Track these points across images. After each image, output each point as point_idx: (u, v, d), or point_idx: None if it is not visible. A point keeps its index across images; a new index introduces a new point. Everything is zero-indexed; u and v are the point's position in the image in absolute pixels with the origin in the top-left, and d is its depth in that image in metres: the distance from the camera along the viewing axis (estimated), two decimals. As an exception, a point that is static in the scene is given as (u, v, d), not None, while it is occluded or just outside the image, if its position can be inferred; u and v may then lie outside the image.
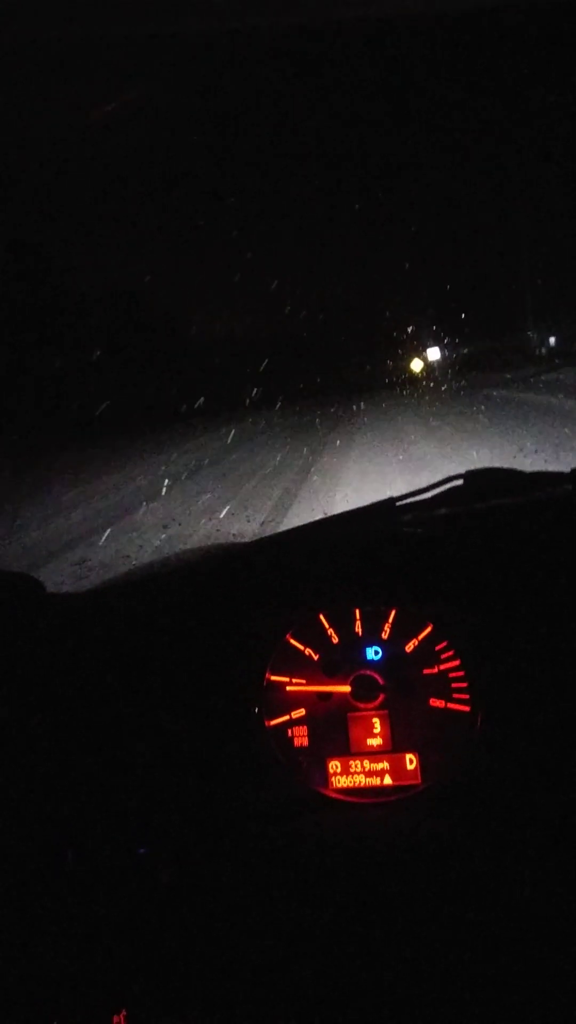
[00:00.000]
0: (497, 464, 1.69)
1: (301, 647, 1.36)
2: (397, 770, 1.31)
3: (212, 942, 1.17)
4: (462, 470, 1.57)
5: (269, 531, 6.72)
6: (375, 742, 1.32)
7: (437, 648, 1.32)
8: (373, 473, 9.05)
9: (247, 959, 1.16)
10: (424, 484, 1.54)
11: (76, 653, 1.38)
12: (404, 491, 1.53)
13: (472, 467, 1.59)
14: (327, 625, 1.36)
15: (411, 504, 1.52)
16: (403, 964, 1.09)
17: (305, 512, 7.50)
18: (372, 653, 1.34)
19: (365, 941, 1.16)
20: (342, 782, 1.33)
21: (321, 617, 1.37)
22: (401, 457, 10.32)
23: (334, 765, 1.33)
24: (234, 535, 6.65)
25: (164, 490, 10.26)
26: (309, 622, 1.37)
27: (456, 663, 1.31)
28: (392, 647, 1.34)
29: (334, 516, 1.57)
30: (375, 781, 1.32)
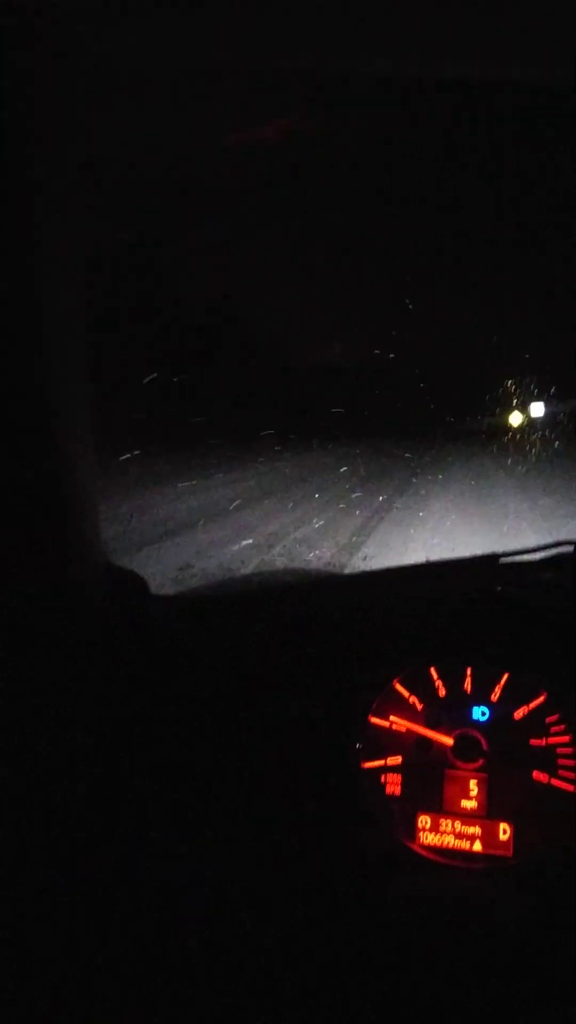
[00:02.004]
0: None
1: (407, 695, 1.36)
2: (489, 838, 1.29)
3: (273, 977, 1.17)
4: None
5: (357, 557, 6.79)
6: (470, 805, 1.31)
7: (548, 719, 1.30)
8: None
9: (300, 1002, 1.15)
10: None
11: (175, 661, 1.40)
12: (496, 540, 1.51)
13: None
14: (437, 678, 1.36)
15: (516, 563, 1.50)
16: None
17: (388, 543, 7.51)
18: (479, 713, 1.34)
19: (430, 1005, 1.14)
20: (430, 839, 1.32)
21: (432, 670, 1.36)
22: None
23: (424, 820, 1.32)
24: (328, 557, 6.72)
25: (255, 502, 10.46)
26: (419, 672, 1.36)
27: (567, 739, 1.28)
28: (500, 711, 1.32)
29: (437, 563, 1.57)
30: (464, 845, 1.30)
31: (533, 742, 1.31)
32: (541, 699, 1.32)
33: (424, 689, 1.37)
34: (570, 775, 1.28)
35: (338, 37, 1.20)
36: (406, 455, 18.39)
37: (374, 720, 1.37)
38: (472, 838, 1.31)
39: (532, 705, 1.32)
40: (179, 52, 1.28)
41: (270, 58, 1.29)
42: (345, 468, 15.43)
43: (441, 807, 1.32)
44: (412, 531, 8.48)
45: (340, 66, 1.31)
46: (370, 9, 1.13)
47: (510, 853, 1.29)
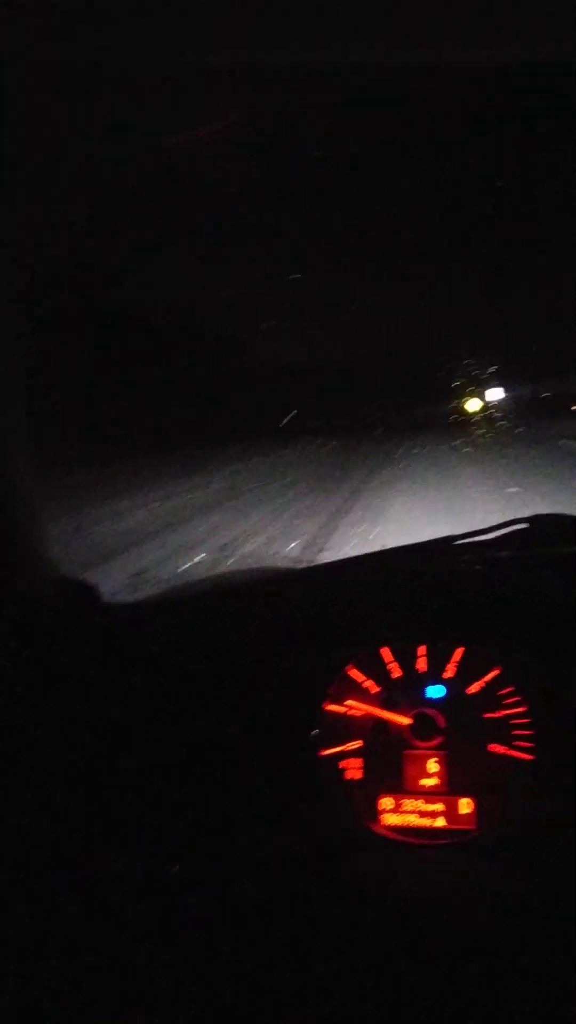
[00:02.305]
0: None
1: (362, 679, 1.38)
2: (452, 813, 1.32)
3: (242, 971, 1.18)
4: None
5: (319, 557, 6.83)
6: (430, 782, 1.33)
7: (502, 692, 1.33)
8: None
9: (277, 991, 1.16)
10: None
11: (129, 665, 1.41)
12: (462, 530, 1.54)
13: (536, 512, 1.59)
14: (390, 659, 1.38)
15: (471, 544, 1.53)
16: (444, 1013, 1.08)
17: (349, 541, 7.57)
18: (434, 691, 1.36)
19: (405, 984, 1.16)
20: (393, 820, 1.34)
21: (384, 650, 1.38)
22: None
23: (386, 802, 1.35)
24: (288, 558, 6.74)
25: (216, 506, 10.48)
26: (372, 654, 1.38)
27: (522, 709, 1.32)
28: (456, 687, 1.35)
29: (392, 549, 1.59)
30: (427, 822, 1.33)
31: (488, 715, 1.33)
32: (495, 672, 1.34)
33: (378, 671, 1.39)
34: (526, 744, 1.31)
35: (276, 29, 1.21)
36: (367, 451, 18.48)
37: (330, 707, 1.38)
38: (435, 815, 1.33)
39: (486, 679, 1.34)
40: (119, 51, 1.28)
41: (218, 54, 1.30)
42: (303, 469, 15.46)
43: (402, 787, 1.34)
44: (376, 528, 8.52)
45: (280, 58, 1.33)
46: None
47: (473, 826, 1.32)
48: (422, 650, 1.38)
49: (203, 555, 7.26)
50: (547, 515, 1.58)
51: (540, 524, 1.54)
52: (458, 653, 1.36)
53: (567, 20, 1.17)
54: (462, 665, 1.36)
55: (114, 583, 5.75)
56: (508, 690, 1.33)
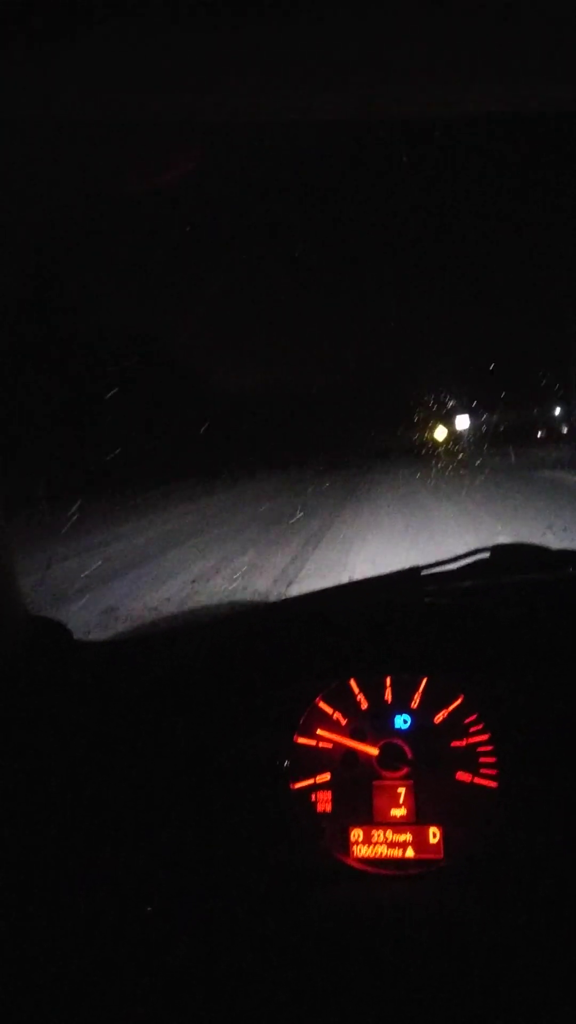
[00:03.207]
0: (525, 540, 1.76)
1: (331, 710, 1.42)
2: (420, 843, 1.36)
3: (222, 1007, 1.20)
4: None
5: (289, 590, 6.85)
6: (399, 813, 1.37)
7: (467, 720, 1.38)
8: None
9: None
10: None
11: (102, 702, 1.44)
12: (428, 560, 1.60)
13: (499, 541, 1.66)
14: (358, 691, 1.42)
15: (436, 574, 1.59)
16: None
17: (320, 573, 7.61)
18: (401, 722, 1.41)
19: (380, 1016, 1.18)
20: (363, 852, 1.37)
21: (352, 682, 1.42)
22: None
23: (356, 834, 1.38)
24: (257, 592, 6.76)
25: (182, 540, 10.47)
26: (340, 687, 1.43)
27: (485, 737, 1.37)
28: (421, 717, 1.40)
29: (360, 581, 1.64)
30: (397, 853, 1.36)
31: (454, 744, 1.38)
32: (459, 701, 1.39)
33: (347, 703, 1.43)
34: (491, 772, 1.35)
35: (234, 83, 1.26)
36: (336, 483, 18.59)
37: (300, 740, 1.42)
38: (404, 845, 1.37)
39: (450, 708, 1.39)
40: (81, 102, 1.33)
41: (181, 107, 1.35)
42: (273, 502, 15.52)
43: (372, 819, 1.38)
44: (346, 560, 8.56)
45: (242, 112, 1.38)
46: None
47: (441, 855, 1.35)
48: (389, 681, 1.43)
49: (173, 590, 7.27)
50: (508, 544, 1.65)
51: (501, 553, 1.61)
52: (423, 683, 1.41)
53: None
54: (427, 695, 1.41)
55: (86, 620, 5.73)
56: (472, 718, 1.38)
